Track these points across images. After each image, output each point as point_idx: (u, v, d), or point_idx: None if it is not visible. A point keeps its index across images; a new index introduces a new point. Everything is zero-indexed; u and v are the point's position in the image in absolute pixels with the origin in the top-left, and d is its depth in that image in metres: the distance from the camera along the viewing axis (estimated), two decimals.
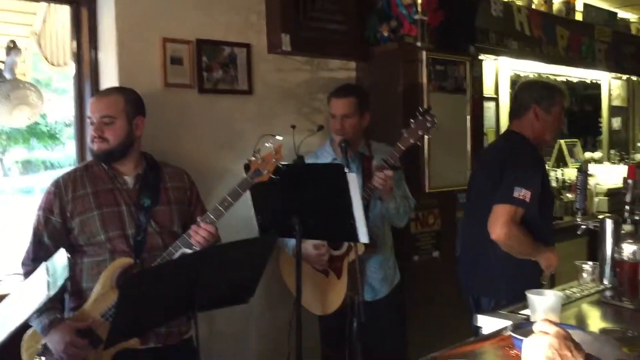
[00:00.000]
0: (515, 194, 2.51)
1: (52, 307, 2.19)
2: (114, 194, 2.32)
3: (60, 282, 1.77)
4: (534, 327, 1.23)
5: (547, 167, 5.12)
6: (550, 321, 1.21)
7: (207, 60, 2.96)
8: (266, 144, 2.33)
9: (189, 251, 2.14)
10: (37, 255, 2.26)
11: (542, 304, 1.72)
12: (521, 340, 1.45)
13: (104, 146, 2.30)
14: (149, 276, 1.89)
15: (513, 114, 2.90)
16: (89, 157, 2.71)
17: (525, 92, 2.85)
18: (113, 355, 2.15)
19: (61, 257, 1.92)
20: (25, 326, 2.17)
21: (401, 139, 2.73)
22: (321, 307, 2.96)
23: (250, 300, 2.24)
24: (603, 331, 1.50)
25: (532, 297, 1.76)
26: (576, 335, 1.29)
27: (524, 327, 1.59)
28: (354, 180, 2.42)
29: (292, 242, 2.66)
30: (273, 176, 2.31)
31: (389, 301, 3.04)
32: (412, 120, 2.73)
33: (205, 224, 2.22)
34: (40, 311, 2.14)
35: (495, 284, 2.70)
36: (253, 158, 2.32)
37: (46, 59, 3.29)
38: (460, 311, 2.97)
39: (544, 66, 4.87)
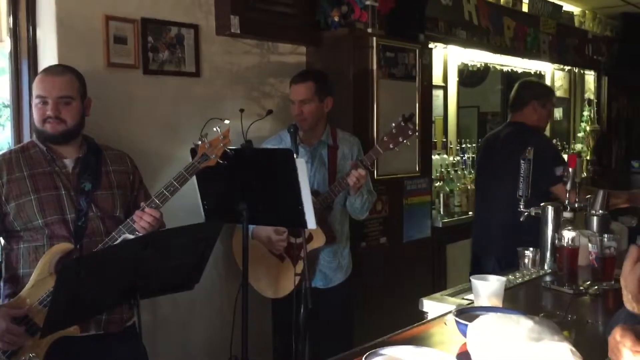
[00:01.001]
0: (558, 173, 3.02)
1: None
2: (52, 177, 2.22)
3: None
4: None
5: None
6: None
7: (152, 40, 2.87)
8: (214, 129, 2.28)
9: (131, 237, 2.08)
10: None
11: (486, 289, 1.75)
12: (465, 325, 1.47)
13: (60, 127, 2.20)
14: (89, 262, 1.82)
15: (513, 107, 3.53)
16: (26, 139, 2.60)
17: (526, 89, 3.50)
18: (51, 344, 2.08)
19: None
20: None
21: (380, 142, 2.78)
22: (273, 291, 2.96)
23: (195, 286, 2.21)
24: (544, 316, 1.54)
25: (476, 282, 1.78)
26: (517, 319, 1.31)
27: (468, 312, 1.61)
28: (302, 166, 2.41)
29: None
30: (221, 161, 2.27)
31: (340, 289, 3.06)
32: (393, 125, 2.77)
33: (150, 209, 2.17)
34: None
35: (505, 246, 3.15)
36: (200, 142, 2.27)
37: None
38: (407, 296, 3.00)
39: (491, 56, 4.95)
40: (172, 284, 2.14)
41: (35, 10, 2.66)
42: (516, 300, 2.09)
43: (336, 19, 3.50)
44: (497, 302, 1.73)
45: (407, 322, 1.92)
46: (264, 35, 3.32)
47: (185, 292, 2.21)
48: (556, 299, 2.10)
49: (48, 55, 2.63)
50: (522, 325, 1.30)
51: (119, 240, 2.06)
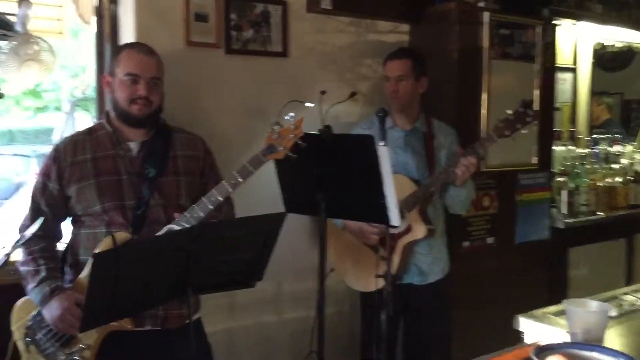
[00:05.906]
0: None
1: (53, 276, 2.06)
2: (115, 161, 2.11)
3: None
4: None
5: None
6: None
7: (236, 18, 2.71)
8: (285, 117, 2.05)
9: (176, 227, 1.91)
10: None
11: (580, 318, 1.36)
12: None
13: (147, 109, 2.10)
14: (127, 253, 1.67)
15: None
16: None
17: None
18: (106, 336, 1.98)
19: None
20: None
21: (495, 128, 2.57)
22: (362, 284, 2.73)
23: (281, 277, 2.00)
24: None
25: (570, 308, 1.40)
26: None
27: (554, 348, 1.26)
28: (385, 155, 2.13)
29: None
30: (290, 154, 2.04)
31: (438, 287, 2.79)
32: (509, 112, 2.56)
33: None
34: (42, 280, 2.02)
35: None
36: (276, 127, 2.06)
37: (79, 15, 3.13)
38: (516, 306, 2.63)
39: (635, 34, 4.31)
40: (229, 280, 1.95)
41: None
42: (634, 331, 1.66)
43: None
44: (596, 335, 1.34)
45: (506, 336, 1.71)
46: (359, 11, 3.05)
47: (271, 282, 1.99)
48: None
49: (127, 33, 2.55)
50: None
51: (163, 231, 1.90)
